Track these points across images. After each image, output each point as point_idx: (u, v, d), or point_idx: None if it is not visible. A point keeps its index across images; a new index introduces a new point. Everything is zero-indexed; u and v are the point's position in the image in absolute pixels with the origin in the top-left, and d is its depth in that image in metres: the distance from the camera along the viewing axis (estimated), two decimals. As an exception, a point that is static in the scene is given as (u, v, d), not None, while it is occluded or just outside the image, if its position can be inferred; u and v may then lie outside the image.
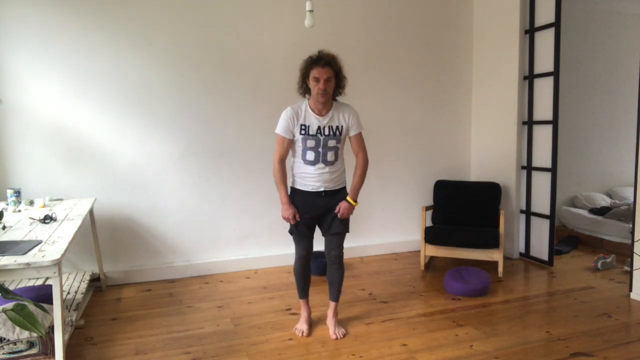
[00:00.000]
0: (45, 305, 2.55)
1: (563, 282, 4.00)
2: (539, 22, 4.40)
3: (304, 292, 3.12)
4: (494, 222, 4.35)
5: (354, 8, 4.59)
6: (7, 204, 3.41)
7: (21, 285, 3.47)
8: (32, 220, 3.01)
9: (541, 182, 4.49)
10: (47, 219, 2.95)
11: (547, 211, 4.42)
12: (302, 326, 3.08)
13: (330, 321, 3.08)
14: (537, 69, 4.45)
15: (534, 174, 4.57)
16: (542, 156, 4.47)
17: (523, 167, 4.65)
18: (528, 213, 4.64)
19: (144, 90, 4.00)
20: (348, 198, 2.93)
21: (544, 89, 4.40)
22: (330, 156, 2.88)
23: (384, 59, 4.74)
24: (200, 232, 4.28)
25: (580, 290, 3.80)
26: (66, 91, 3.82)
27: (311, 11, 3.52)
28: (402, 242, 4.97)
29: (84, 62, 3.83)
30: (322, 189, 2.90)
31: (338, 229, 2.96)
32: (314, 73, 2.75)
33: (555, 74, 4.25)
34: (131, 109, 3.99)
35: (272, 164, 2.92)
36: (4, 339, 2.50)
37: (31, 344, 2.55)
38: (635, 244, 3.55)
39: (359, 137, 2.96)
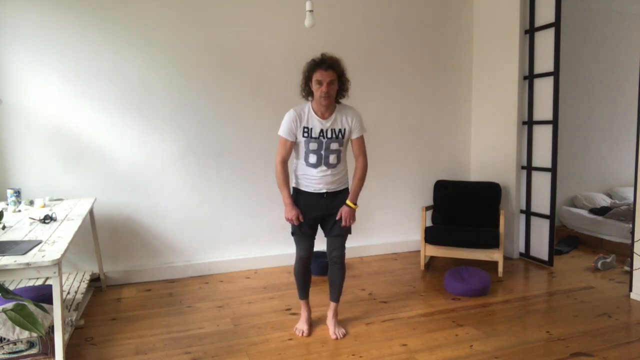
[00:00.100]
0: (45, 305, 2.55)
1: (563, 282, 4.00)
2: (539, 22, 4.40)
3: (304, 293, 3.11)
4: (494, 222, 4.35)
5: (354, 8, 4.59)
6: (7, 204, 3.41)
7: (21, 285, 3.47)
8: (32, 220, 3.01)
9: (541, 182, 4.49)
10: (47, 219, 2.95)
11: (547, 211, 4.43)
12: (302, 326, 3.08)
13: (330, 321, 3.08)
14: (537, 69, 4.45)
15: (534, 174, 4.57)
16: (542, 156, 4.47)
17: (523, 167, 4.65)
18: (528, 213, 4.64)
19: (144, 90, 4.01)
20: (348, 202, 2.93)
21: (544, 89, 4.40)
22: (332, 159, 2.88)
23: (384, 59, 4.74)
24: (200, 232, 4.28)
25: (580, 290, 3.80)
26: (66, 91, 3.82)
27: (311, 11, 3.51)
28: (402, 242, 4.97)
29: (84, 62, 3.83)
30: (324, 191, 2.91)
31: (340, 231, 2.96)
32: (317, 76, 2.75)
33: (555, 74, 4.25)
34: (131, 109, 3.99)
35: (275, 165, 2.93)
36: (4, 339, 2.50)
37: (31, 344, 2.55)
38: (635, 244, 3.55)
39: (361, 140, 2.96)
